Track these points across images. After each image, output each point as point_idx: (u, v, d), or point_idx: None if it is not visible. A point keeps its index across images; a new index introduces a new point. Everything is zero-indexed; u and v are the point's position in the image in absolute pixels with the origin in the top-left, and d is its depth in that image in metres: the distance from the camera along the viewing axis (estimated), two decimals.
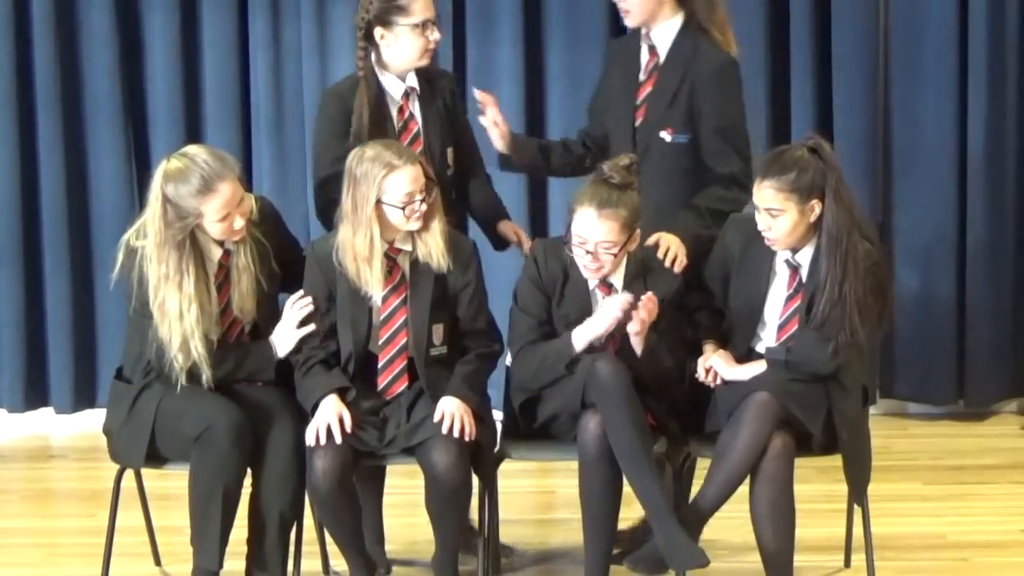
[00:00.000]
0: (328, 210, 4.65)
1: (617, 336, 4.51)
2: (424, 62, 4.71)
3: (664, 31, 4.78)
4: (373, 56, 4.71)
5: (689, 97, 4.74)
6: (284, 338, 4.53)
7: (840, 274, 4.35)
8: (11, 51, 6.47)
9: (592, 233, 4.42)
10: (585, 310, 4.52)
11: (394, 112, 4.74)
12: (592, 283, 4.53)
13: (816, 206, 4.38)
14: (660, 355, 4.49)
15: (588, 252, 4.43)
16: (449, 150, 4.80)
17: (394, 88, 4.73)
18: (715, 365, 4.49)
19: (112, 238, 6.38)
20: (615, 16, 4.98)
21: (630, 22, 4.79)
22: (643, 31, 4.80)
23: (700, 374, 4.50)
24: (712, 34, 4.79)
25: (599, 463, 4.35)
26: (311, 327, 4.52)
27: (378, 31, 4.67)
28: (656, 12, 4.75)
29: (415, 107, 4.76)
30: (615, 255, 4.44)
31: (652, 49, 4.80)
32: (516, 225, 4.95)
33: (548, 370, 4.49)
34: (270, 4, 6.47)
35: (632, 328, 4.42)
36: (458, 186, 4.88)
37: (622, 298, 4.43)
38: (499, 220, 4.92)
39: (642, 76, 4.82)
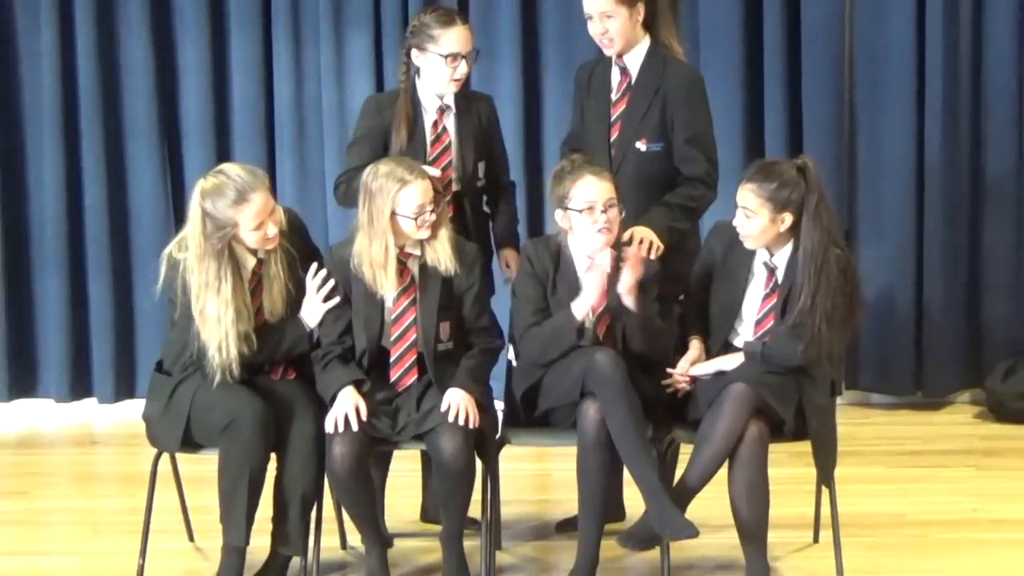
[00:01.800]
0: (345, 197, 4.73)
1: (609, 313, 4.50)
2: (449, 90, 4.74)
3: (636, 54, 4.79)
4: (415, 72, 4.76)
5: (661, 110, 4.76)
6: (312, 311, 4.52)
7: (814, 288, 4.34)
8: (57, 75, 6.48)
9: (598, 193, 4.43)
10: (575, 293, 4.50)
11: (428, 124, 4.76)
12: (582, 268, 4.52)
13: (787, 218, 4.37)
14: (653, 314, 4.47)
15: (602, 212, 4.43)
16: (481, 164, 4.82)
17: (430, 103, 4.76)
18: (693, 372, 4.49)
19: (149, 244, 6.46)
20: None
21: (612, 51, 4.77)
22: (614, 56, 4.80)
23: (675, 379, 4.50)
24: (674, 49, 4.83)
25: (597, 447, 4.34)
26: (336, 300, 4.51)
27: (414, 52, 4.73)
28: (632, 39, 4.77)
29: (449, 122, 4.78)
30: (616, 213, 4.45)
31: (624, 71, 4.81)
32: (515, 254, 4.90)
33: (556, 344, 4.47)
34: (292, 31, 6.48)
35: (622, 286, 4.41)
36: (488, 196, 4.91)
37: (606, 258, 4.42)
38: (505, 245, 4.91)
39: (615, 95, 4.82)
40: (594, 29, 4.75)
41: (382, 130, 4.74)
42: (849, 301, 4.40)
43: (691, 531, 4.28)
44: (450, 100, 4.77)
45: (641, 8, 4.74)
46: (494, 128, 4.94)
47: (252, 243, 4.44)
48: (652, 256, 4.58)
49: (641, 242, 4.59)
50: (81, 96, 6.50)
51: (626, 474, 4.41)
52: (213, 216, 4.37)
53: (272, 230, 4.41)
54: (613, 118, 4.81)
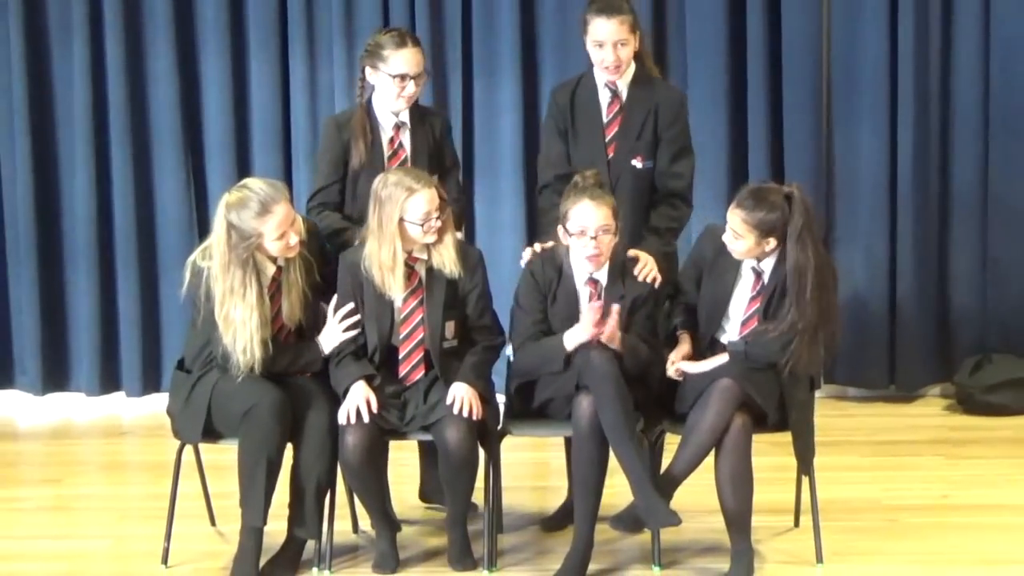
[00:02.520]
0: (319, 220, 4.70)
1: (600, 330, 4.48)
2: (397, 107, 4.70)
3: (626, 78, 4.77)
4: (370, 89, 4.73)
5: (653, 130, 4.75)
6: (331, 339, 4.50)
7: (798, 305, 4.32)
8: (89, 90, 6.48)
9: (592, 219, 4.40)
10: (573, 305, 4.50)
11: (385, 140, 4.72)
12: (580, 281, 4.50)
13: (772, 242, 4.36)
14: (639, 348, 4.47)
15: (592, 238, 4.40)
16: (435, 177, 4.74)
17: (386, 120, 4.72)
18: (683, 367, 4.46)
19: (174, 248, 6.46)
20: None
21: (617, 74, 4.74)
22: (603, 80, 4.76)
23: (671, 372, 4.48)
24: (654, 72, 4.83)
25: (590, 438, 4.33)
26: (355, 332, 4.49)
27: (368, 70, 4.70)
28: (631, 64, 4.76)
29: (405, 138, 4.74)
30: (610, 239, 4.42)
31: (615, 94, 4.77)
32: None
33: (547, 363, 4.46)
34: (307, 51, 6.48)
35: (604, 338, 4.40)
36: None
37: (595, 305, 4.40)
38: None
39: (606, 117, 4.79)
40: (605, 56, 4.68)
41: (342, 148, 4.69)
42: (826, 313, 4.37)
43: (673, 520, 4.27)
44: (405, 117, 4.73)
45: (640, 36, 4.73)
46: (446, 144, 4.88)
47: (275, 252, 4.42)
48: (648, 280, 4.55)
49: (638, 259, 4.56)
50: (110, 110, 6.50)
51: (612, 462, 4.38)
52: (238, 227, 4.35)
53: (294, 239, 4.40)
54: (608, 138, 4.78)
